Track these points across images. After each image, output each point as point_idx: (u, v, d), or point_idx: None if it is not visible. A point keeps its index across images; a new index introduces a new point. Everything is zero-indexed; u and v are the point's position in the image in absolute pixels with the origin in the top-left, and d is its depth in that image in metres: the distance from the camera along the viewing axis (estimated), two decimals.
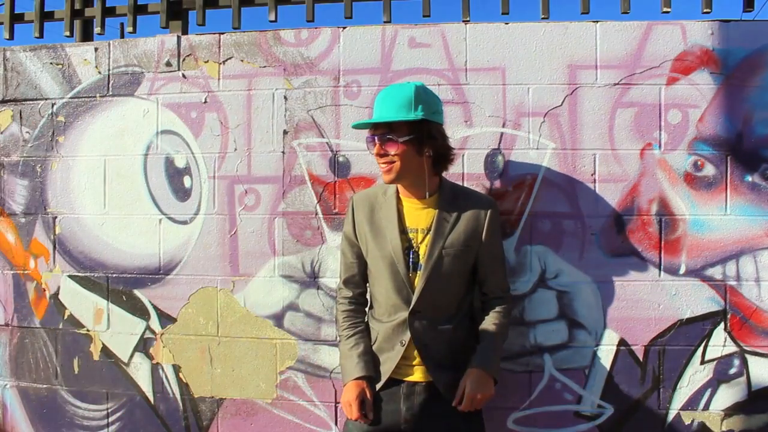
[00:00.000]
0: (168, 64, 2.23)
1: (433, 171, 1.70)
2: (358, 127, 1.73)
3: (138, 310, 2.25)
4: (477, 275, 1.79)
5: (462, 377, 1.70)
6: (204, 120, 2.20)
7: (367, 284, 1.84)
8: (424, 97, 1.64)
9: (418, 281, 1.70)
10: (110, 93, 2.27)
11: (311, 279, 2.15)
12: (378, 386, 1.72)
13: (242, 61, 2.18)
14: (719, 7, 2.35)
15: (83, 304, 2.30)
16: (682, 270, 2.00)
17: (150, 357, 2.26)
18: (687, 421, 2.02)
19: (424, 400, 1.71)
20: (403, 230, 1.73)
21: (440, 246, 1.69)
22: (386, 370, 1.73)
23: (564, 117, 2.03)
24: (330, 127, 2.13)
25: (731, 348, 2.00)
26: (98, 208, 2.28)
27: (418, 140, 1.63)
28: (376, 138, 1.66)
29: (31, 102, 2.33)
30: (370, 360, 1.74)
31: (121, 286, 2.27)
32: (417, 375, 1.72)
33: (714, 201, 1.99)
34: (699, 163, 2.00)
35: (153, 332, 2.25)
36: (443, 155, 1.70)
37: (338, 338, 1.83)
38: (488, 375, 1.70)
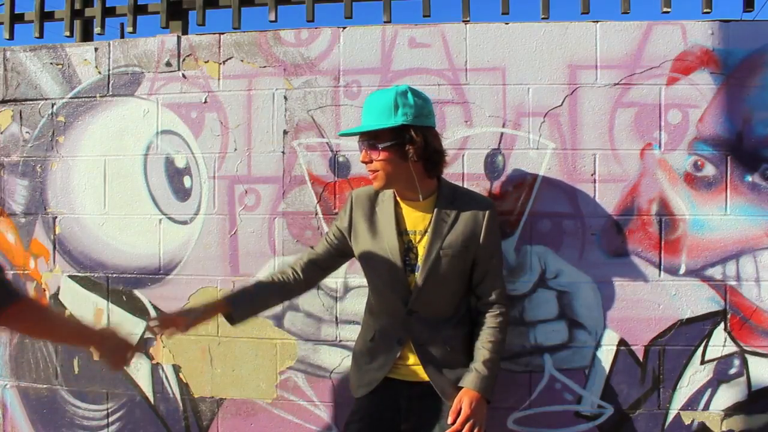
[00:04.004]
0: (168, 64, 2.23)
1: (425, 174, 1.67)
2: (344, 135, 1.72)
3: (138, 310, 2.26)
4: (473, 277, 1.76)
5: (459, 380, 1.69)
6: (204, 120, 2.20)
7: (321, 273, 1.85)
8: (405, 101, 1.60)
9: (416, 282, 1.70)
10: (110, 93, 2.27)
11: None
12: (375, 386, 1.73)
13: (242, 61, 2.18)
14: (719, 7, 2.35)
15: (83, 304, 2.30)
16: (682, 270, 2.00)
17: (150, 357, 2.26)
18: (687, 421, 2.02)
19: (423, 400, 1.71)
20: (400, 231, 1.72)
21: (438, 247, 1.69)
22: (384, 370, 1.73)
23: (564, 117, 2.03)
24: (330, 127, 2.13)
25: (731, 348, 2.00)
26: (98, 208, 2.28)
27: (400, 146, 1.60)
28: (361, 145, 1.66)
29: (31, 102, 2.33)
30: (242, 292, 1.76)
31: (121, 286, 2.27)
32: (415, 375, 1.72)
33: (714, 201, 1.99)
34: (699, 163, 2.00)
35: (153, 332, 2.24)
36: (430, 158, 1.64)
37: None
38: (484, 399, 1.67)
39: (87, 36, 2.56)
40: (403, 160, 1.62)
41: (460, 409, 1.62)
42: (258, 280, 1.86)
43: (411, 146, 1.60)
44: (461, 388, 1.67)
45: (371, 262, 1.74)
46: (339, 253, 1.83)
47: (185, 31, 2.41)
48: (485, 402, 1.67)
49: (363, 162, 1.67)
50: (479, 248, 1.72)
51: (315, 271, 1.83)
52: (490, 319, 1.73)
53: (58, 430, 2.34)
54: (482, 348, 1.70)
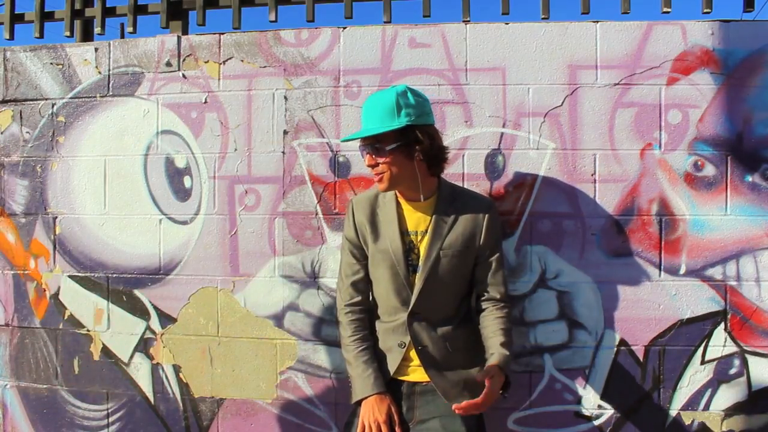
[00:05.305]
0: (168, 64, 2.23)
1: (427, 173, 1.68)
2: (348, 140, 1.72)
3: (138, 310, 2.26)
4: (474, 277, 1.76)
5: (460, 381, 1.69)
6: (204, 120, 2.20)
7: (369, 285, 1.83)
8: (407, 101, 1.60)
9: (417, 283, 1.70)
10: (110, 93, 2.27)
11: (311, 279, 2.15)
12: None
13: (242, 61, 2.18)
14: (719, 7, 2.35)
15: (83, 304, 2.30)
16: (683, 270, 2.00)
17: (150, 357, 2.26)
18: (687, 422, 2.02)
19: (424, 400, 1.71)
20: (403, 232, 1.72)
21: (438, 247, 1.69)
22: (387, 370, 1.73)
23: (564, 117, 2.03)
24: (330, 127, 2.13)
25: (731, 348, 2.00)
26: (98, 208, 2.28)
27: (406, 146, 1.60)
28: (365, 149, 1.65)
29: (31, 102, 2.33)
30: (377, 372, 1.71)
31: (121, 286, 2.27)
32: (417, 375, 1.72)
33: (714, 201, 1.99)
34: (699, 163, 2.00)
35: (153, 332, 2.25)
36: (435, 156, 1.66)
37: (345, 346, 1.76)
38: (503, 376, 1.63)
39: (87, 36, 2.56)
40: (409, 160, 1.63)
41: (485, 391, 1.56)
42: (361, 347, 1.73)
43: (418, 146, 1.61)
44: (462, 388, 1.67)
45: (375, 263, 1.75)
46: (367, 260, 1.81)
47: (185, 31, 2.41)
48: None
49: (369, 166, 1.66)
50: (479, 248, 1.72)
51: (368, 287, 1.81)
52: (497, 311, 1.72)
53: (58, 430, 2.34)
54: (496, 336, 1.67)
